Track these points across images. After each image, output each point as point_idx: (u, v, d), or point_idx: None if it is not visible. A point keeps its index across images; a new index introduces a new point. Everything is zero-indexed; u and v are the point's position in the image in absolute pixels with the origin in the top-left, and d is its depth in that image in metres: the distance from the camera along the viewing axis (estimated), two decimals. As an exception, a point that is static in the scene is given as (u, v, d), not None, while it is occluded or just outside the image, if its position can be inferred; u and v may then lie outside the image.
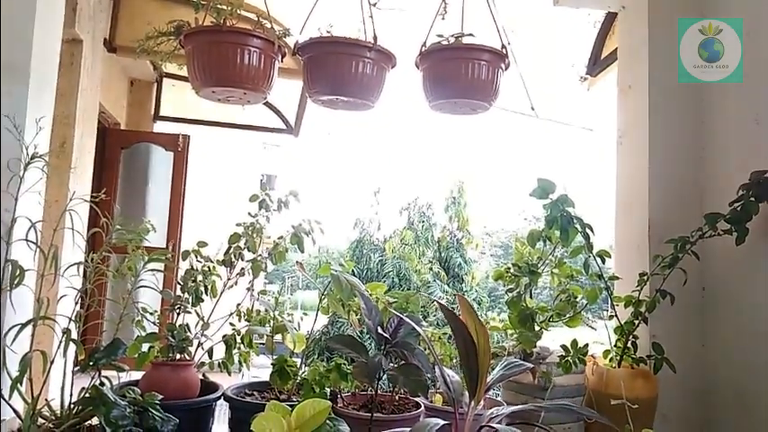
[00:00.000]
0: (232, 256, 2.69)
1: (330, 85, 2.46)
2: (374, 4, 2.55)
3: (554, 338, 2.51)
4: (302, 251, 2.75)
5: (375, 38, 2.43)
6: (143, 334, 2.47)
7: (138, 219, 2.45)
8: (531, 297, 2.57)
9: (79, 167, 3.92)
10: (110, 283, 2.32)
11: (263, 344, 2.73)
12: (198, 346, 2.57)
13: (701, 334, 2.74)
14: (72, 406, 1.96)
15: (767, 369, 2.40)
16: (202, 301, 2.62)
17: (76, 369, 2.03)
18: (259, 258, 2.71)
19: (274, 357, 2.56)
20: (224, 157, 8.84)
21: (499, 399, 2.61)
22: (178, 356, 2.52)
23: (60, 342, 1.96)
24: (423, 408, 2.44)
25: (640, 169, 2.87)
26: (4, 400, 1.87)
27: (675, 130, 2.85)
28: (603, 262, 2.56)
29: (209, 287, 2.64)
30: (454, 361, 2.67)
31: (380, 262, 13.68)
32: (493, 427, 1.79)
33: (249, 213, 2.72)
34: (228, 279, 2.71)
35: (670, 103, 2.85)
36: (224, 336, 2.66)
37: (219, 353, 2.65)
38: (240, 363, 2.68)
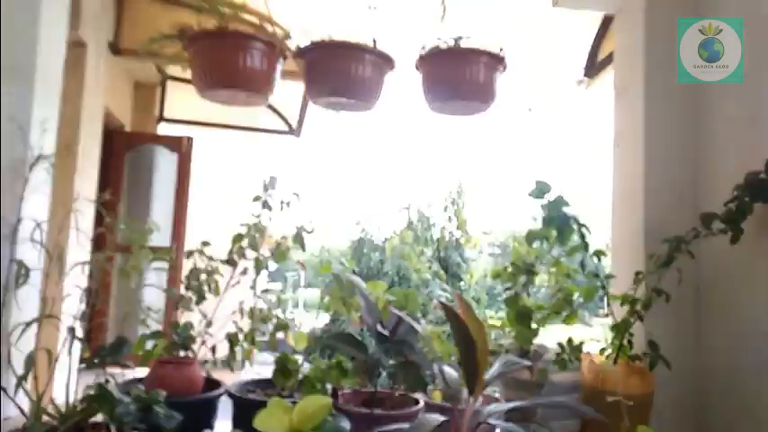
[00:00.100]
0: (235, 255, 2.71)
1: (330, 87, 2.49)
2: (374, 8, 2.58)
3: (551, 336, 2.53)
4: (303, 250, 2.78)
5: (375, 41, 2.47)
6: (147, 332, 2.50)
7: (143, 219, 2.48)
8: (528, 295, 2.60)
9: (84, 169, 3.94)
10: (115, 282, 2.34)
11: (266, 341, 2.76)
12: (202, 344, 2.60)
13: (696, 332, 2.76)
14: (77, 403, 1.97)
15: (762, 367, 2.42)
16: (206, 299, 2.65)
17: (81, 367, 2.05)
18: (261, 257, 2.74)
19: (277, 355, 2.58)
20: (227, 158, 8.85)
21: (497, 395, 2.64)
22: (182, 354, 2.54)
23: (65, 340, 1.98)
24: (422, 404, 2.46)
25: (636, 169, 2.89)
26: (10, 397, 1.89)
27: (671, 130, 2.87)
28: (600, 261, 2.59)
29: (213, 286, 2.66)
30: (453, 358, 2.69)
31: (380, 261, 13.69)
32: (491, 423, 1.82)
33: (252, 213, 2.75)
34: (232, 278, 2.73)
35: (666, 105, 2.87)
36: (227, 333, 2.68)
37: (223, 350, 2.67)
38: (243, 360, 2.71)
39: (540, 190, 2.52)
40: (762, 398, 2.42)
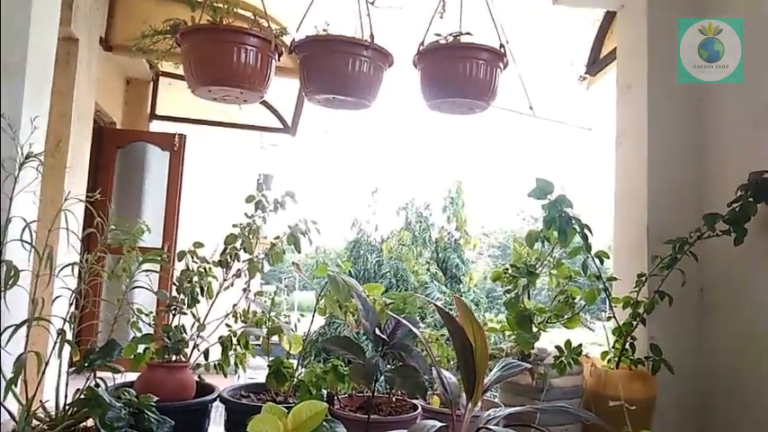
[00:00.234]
0: (228, 256, 2.67)
1: (327, 83, 2.45)
2: (372, 3, 2.53)
3: (552, 340, 2.50)
4: (299, 252, 2.74)
5: (372, 36, 2.42)
6: (138, 335, 2.46)
7: (134, 219, 2.44)
8: (529, 298, 2.57)
9: (75, 167, 3.90)
10: (105, 284, 2.31)
11: (260, 345, 2.73)
12: (194, 348, 2.56)
13: (700, 335, 2.73)
14: (67, 407, 1.95)
15: (765, 370, 2.39)
16: (198, 302, 2.60)
17: (71, 370, 2.02)
18: (255, 259, 2.70)
19: (271, 359, 2.54)
20: (220, 156, 8.82)
21: (497, 400, 2.61)
22: (174, 358, 2.50)
23: (55, 343, 1.95)
24: (420, 409, 2.43)
25: (639, 169, 2.86)
26: (-1, 401, 1.86)
27: (674, 130, 2.85)
28: (602, 263, 2.56)
29: (205, 288, 2.62)
30: (452, 362, 2.66)
31: (377, 263, 13.68)
32: (490, 429, 1.78)
33: (245, 214, 2.71)
34: (225, 280, 2.70)
35: (669, 103, 2.85)
36: (220, 337, 2.65)
37: (215, 354, 2.63)
38: (236, 364, 2.67)
39: (542, 189, 2.48)
40: (764, 399, 2.39)
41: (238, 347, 2.65)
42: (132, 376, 2.44)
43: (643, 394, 2.40)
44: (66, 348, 1.97)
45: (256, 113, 6.28)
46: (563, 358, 2.41)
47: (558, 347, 2.45)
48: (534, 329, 2.49)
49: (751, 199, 2.33)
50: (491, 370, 2.06)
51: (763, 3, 2.55)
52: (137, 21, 4.12)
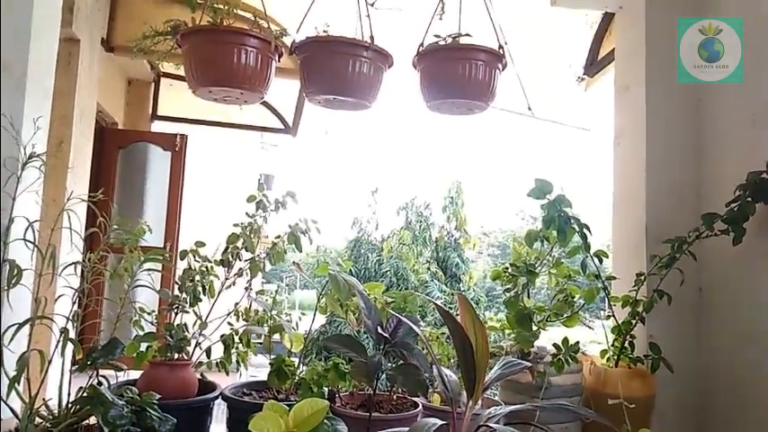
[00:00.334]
0: (230, 255, 2.69)
1: (327, 84, 2.46)
2: (372, 4, 2.54)
3: (552, 338, 2.51)
4: (300, 251, 2.75)
5: (372, 37, 2.43)
6: (141, 333, 2.47)
7: (136, 218, 2.45)
8: (528, 297, 2.58)
9: (77, 167, 3.91)
10: (107, 283, 2.32)
11: (261, 344, 2.74)
12: (196, 346, 2.57)
13: (698, 334, 2.74)
14: (69, 405, 1.95)
15: (765, 368, 2.40)
16: (200, 300, 2.62)
17: (74, 368, 2.03)
18: (257, 258, 2.71)
19: (272, 357, 2.56)
20: (222, 156, 8.83)
21: (497, 398, 2.61)
22: (176, 356, 2.51)
23: (58, 341, 1.96)
24: (421, 407, 2.45)
25: (637, 169, 2.87)
26: (2, 399, 1.86)
27: (673, 130, 2.86)
28: (601, 262, 2.57)
29: (207, 287, 2.63)
30: (452, 361, 2.67)
31: (378, 262, 13.69)
32: (491, 427, 1.79)
33: (247, 213, 2.72)
34: (226, 279, 2.71)
35: (667, 104, 2.86)
36: (222, 335, 2.66)
37: (217, 353, 2.65)
38: (238, 362, 2.68)
39: (541, 189, 2.49)
40: (763, 397, 2.40)
41: (240, 346, 2.66)
42: (135, 374, 2.44)
43: (642, 393, 2.41)
44: (69, 347, 1.97)
45: (257, 114, 6.29)
46: (561, 356, 2.42)
47: (555, 345, 2.46)
48: (534, 328, 2.50)
49: (749, 199, 2.33)
50: (491, 368, 2.07)
51: (763, 3, 2.55)
52: (138, 22, 4.13)
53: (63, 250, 2.12)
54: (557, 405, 2.16)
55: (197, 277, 2.62)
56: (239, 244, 2.69)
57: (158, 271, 2.34)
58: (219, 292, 2.67)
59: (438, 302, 2.01)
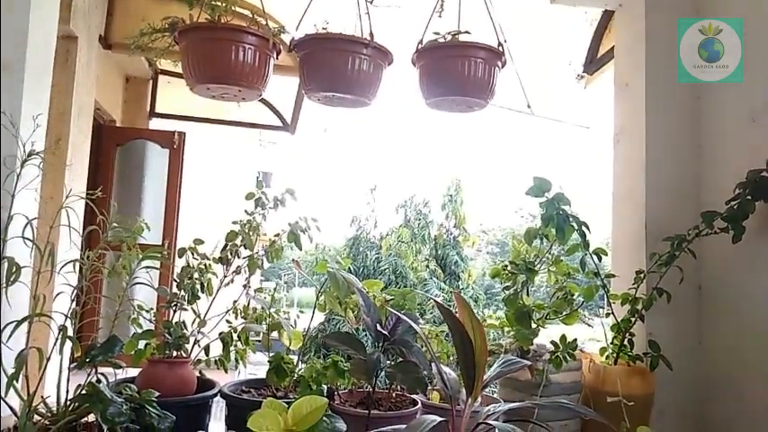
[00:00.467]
0: (228, 253, 2.68)
1: (326, 81, 2.46)
2: (371, 2, 2.54)
3: (551, 336, 2.51)
4: (299, 248, 2.75)
5: (371, 34, 2.43)
6: (139, 331, 2.46)
7: (134, 216, 2.44)
8: (527, 295, 2.58)
9: (75, 164, 3.90)
10: (106, 281, 2.31)
11: (260, 341, 2.73)
12: (194, 344, 2.56)
13: (698, 332, 2.75)
14: (68, 403, 1.95)
15: (763, 366, 2.41)
16: (199, 298, 2.61)
17: (73, 366, 2.02)
18: (255, 256, 2.71)
19: (271, 355, 2.55)
20: (220, 154, 8.82)
21: (496, 396, 2.62)
22: (175, 354, 2.51)
23: (56, 339, 1.95)
24: (420, 405, 2.44)
25: (637, 167, 2.87)
26: (0, 397, 1.86)
27: (672, 127, 2.86)
28: (600, 260, 2.57)
29: (206, 284, 2.63)
30: (451, 358, 2.67)
31: (377, 259, 13.71)
32: (490, 424, 1.79)
33: (246, 211, 2.71)
34: (225, 276, 2.70)
35: (667, 101, 2.86)
36: (220, 333, 2.65)
37: (216, 350, 2.64)
38: (237, 360, 2.68)
39: (540, 188, 2.49)
40: (762, 395, 2.40)
41: (239, 343, 2.66)
42: (133, 372, 2.44)
43: (641, 390, 2.41)
44: (68, 344, 1.97)
45: (256, 111, 6.29)
46: (558, 353, 2.42)
47: (553, 343, 2.46)
48: (533, 326, 2.50)
49: (749, 197, 2.34)
50: (490, 366, 2.07)
51: (763, 2, 2.55)
52: (135, 19, 4.13)
53: (61, 248, 2.11)
54: (556, 403, 2.16)
55: (195, 275, 2.61)
56: (238, 241, 2.68)
57: (157, 268, 2.34)
58: (218, 290, 2.66)
59: (438, 300, 2.00)
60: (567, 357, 2.43)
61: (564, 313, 2.54)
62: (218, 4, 2.40)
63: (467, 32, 2.55)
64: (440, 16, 2.70)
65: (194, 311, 2.61)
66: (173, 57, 2.72)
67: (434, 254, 14.16)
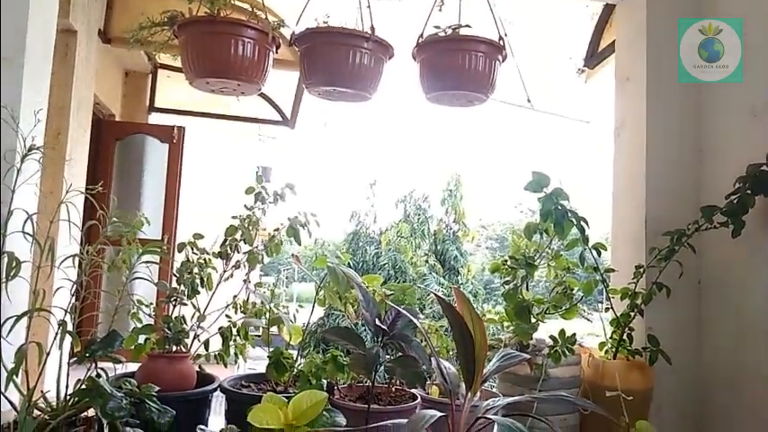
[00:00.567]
0: (228, 248, 2.68)
1: (327, 75, 2.45)
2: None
3: (550, 331, 2.51)
4: (299, 243, 2.75)
5: (372, 28, 2.42)
6: (139, 326, 2.47)
7: (133, 210, 2.44)
8: (527, 289, 2.58)
9: (74, 159, 3.90)
10: (105, 275, 2.31)
11: (260, 336, 2.74)
12: (194, 338, 2.57)
13: (697, 326, 2.75)
14: (68, 397, 1.95)
15: (762, 361, 2.41)
16: (198, 293, 2.61)
17: (72, 361, 2.02)
18: (255, 251, 2.71)
19: (270, 349, 2.56)
20: (220, 148, 8.81)
21: (495, 390, 2.62)
22: (174, 348, 2.51)
23: (56, 334, 1.95)
24: (419, 399, 2.45)
25: (637, 161, 2.87)
26: (0, 392, 1.86)
27: (673, 122, 2.85)
28: (599, 254, 2.57)
29: (205, 279, 2.63)
30: (451, 353, 2.68)
31: (376, 254, 13.71)
32: (489, 418, 1.79)
33: (245, 206, 2.71)
34: (224, 271, 2.70)
35: (668, 96, 2.85)
36: (220, 328, 2.66)
37: (216, 345, 2.64)
38: (236, 355, 2.68)
39: (538, 183, 2.48)
40: (761, 390, 2.41)
41: (238, 338, 2.66)
42: (133, 367, 2.44)
43: (640, 385, 2.41)
44: (67, 339, 1.96)
45: (255, 106, 6.28)
46: (557, 347, 2.42)
47: (552, 337, 2.46)
48: (533, 320, 2.50)
49: (749, 191, 2.33)
50: (490, 360, 2.07)
51: (764, 2, 2.55)
52: (135, 13, 4.10)
53: (61, 242, 2.10)
54: (555, 397, 2.17)
55: (195, 269, 2.61)
56: (237, 236, 2.68)
57: (156, 263, 2.34)
58: (217, 285, 2.67)
59: (439, 294, 2.01)
60: (566, 352, 2.42)
61: (563, 308, 2.54)
62: (218, -3, 2.39)
63: (467, 26, 2.54)
64: (440, 10, 2.70)
65: (194, 306, 2.61)
66: (172, 51, 2.71)
67: (434, 249, 14.16)
